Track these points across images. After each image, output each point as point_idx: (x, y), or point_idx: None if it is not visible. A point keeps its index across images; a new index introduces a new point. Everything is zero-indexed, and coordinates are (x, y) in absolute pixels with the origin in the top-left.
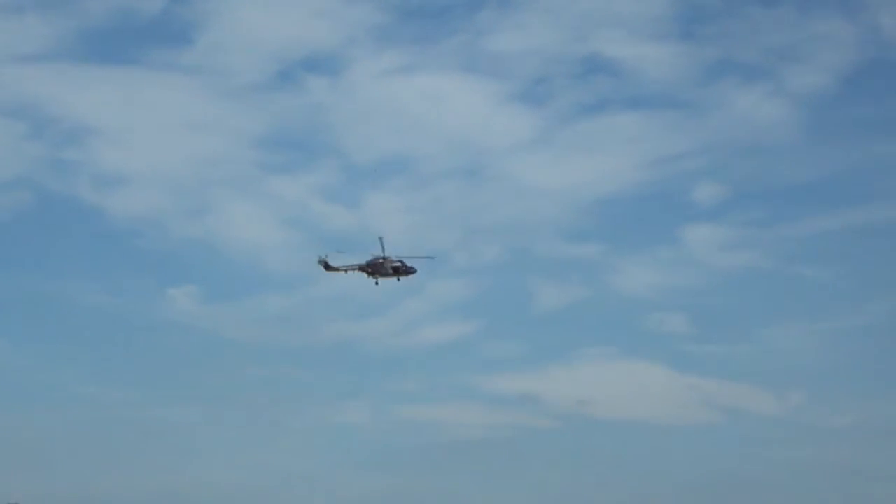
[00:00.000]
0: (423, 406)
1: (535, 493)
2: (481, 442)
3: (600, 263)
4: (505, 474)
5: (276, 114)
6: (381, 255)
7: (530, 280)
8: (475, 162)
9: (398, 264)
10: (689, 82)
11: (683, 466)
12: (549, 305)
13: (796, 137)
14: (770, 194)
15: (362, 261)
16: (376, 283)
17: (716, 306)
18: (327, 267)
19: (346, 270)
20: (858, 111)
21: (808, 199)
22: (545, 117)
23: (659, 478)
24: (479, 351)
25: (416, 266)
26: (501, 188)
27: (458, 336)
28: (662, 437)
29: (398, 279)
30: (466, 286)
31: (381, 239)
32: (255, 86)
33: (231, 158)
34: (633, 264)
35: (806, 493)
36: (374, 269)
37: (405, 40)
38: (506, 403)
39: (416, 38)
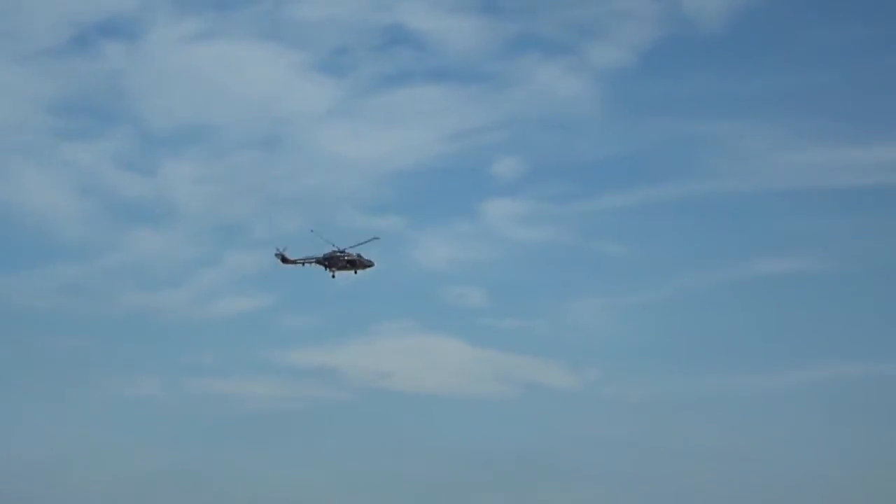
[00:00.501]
0: (218, 379)
1: (333, 466)
2: (277, 415)
3: (400, 236)
4: (301, 448)
5: (71, 79)
6: (338, 248)
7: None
8: (275, 132)
9: (354, 258)
10: (490, 56)
11: (481, 440)
12: (348, 278)
13: (596, 113)
14: (569, 169)
15: (319, 254)
16: (332, 277)
17: (514, 280)
18: (284, 260)
19: (303, 263)
20: (658, 88)
21: (606, 174)
22: (346, 88)
23: (457, 451)
24: (277, 324)
25: (373, 260)
26: (301, 159)
27: (256, 308)
28: (460, 411)
29: (355, 272)
30: (265, 258)
31: (312, 231)
32: (49, 51)
33: (24, 125)
34: (432, 238)
35: (600, 467)
36: (331, 262)
37: (205, 6)
38: (303, 377)
39: (216, 5)
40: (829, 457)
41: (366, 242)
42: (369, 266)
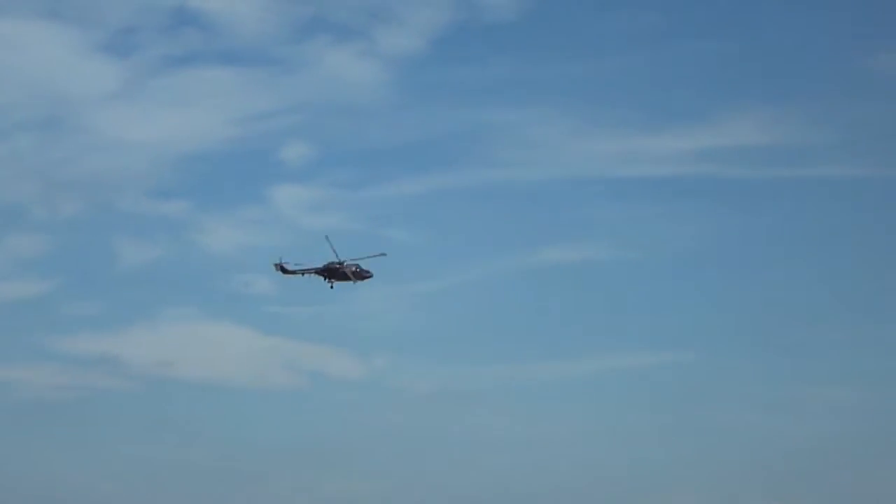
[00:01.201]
0: None
1: (111, 455)
2: (54, 404)
3: (186, 221)
4: (79, 437)
5: None
6: (337, 259)
7: (113, 237)
8: (56, 113)
9: (354, 268)
10: (280, 39)
11: (267, 429)
12: (132, 263)
13: (387, 99)
14: (360, 156)
15: (319, 265)
16: (331, 287)
17: None
18: (284, 271)
19: (302, 273)
20: (449, 75)
21: (397, 161)
22: (131, 69)
23: (241, 441)
24: (57, 310)
25: (371, 270)
26: (83, 141)
27: (35, 294)
28: (245, 400)
29: (354, 283)
30: (44, 242)
31: (328, 238)
32: None
33: None
34: (219, 223)
35: (387, 458)
36: (331, 273)
37: None
38: (83, 364)
39: None
40: (618, 444)
41: (371, 256)
42: (368, 277)
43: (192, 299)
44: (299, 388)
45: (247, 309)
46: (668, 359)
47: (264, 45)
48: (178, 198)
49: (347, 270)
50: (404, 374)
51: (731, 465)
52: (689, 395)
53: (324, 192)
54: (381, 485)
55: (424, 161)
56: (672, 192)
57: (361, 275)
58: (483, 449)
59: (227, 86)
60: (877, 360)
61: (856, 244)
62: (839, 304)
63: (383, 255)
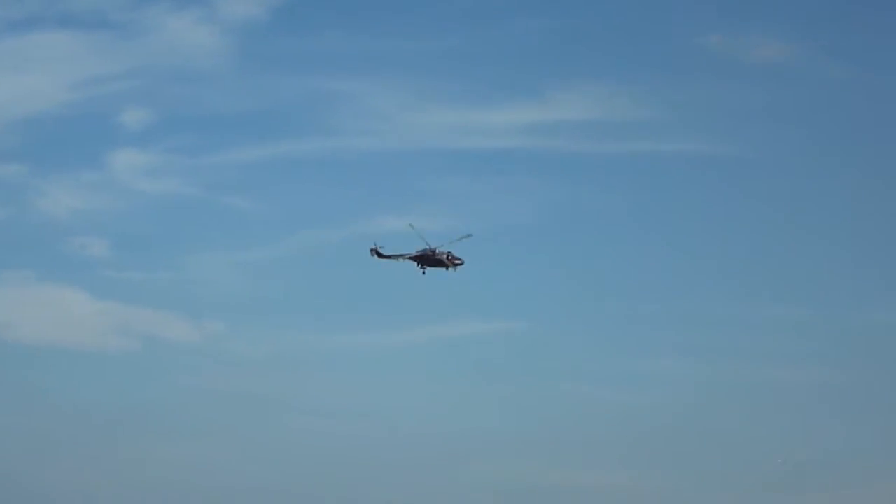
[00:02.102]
0: None
1: None
2: None
3: (22, 184)
4: None
5: None
6: (429, 247)
7: None
8: None
9: (446, 255)
10: (120, 4)
11: (101, 393)
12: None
13: (227, 66)
14: (198, 122)
15: (413, 251)
16: (423, 273)
17: (138, 232)
18: (379, 255)
19: (397, 259)
20: (289, 43)
21: (236, 128)
22: None
23: (75, 405)
24: None
25: (462, 258)
26: None
27: None
28: (80, 363)
29: (447, 269)
30: None
31: (411, 225)
32: None
33: None
34: (56, 187)
35: (220, 423)
36: (424, 260)
37: None
38: None
39: None
40: (451, 413)
41: (458, 240)
42: (460, 264)
43: (29, 262)
44: (133, 351)
45: (82, 272)
46: (501, 328)
47: (104, 10)
48: (16, 161)
49: (441, 257)
50: (238, 339)
51: (563, 433)
52: (522, 364)
53: (161, 157)
54: (214, 449)
55: (263, 129)
56: (504, 165)
57: (453, 261)
58: (316, 416)
59: (66, 50)
60: (708, 334)
61: (684, 218)
62: (666, 276)
63: (469, 236)
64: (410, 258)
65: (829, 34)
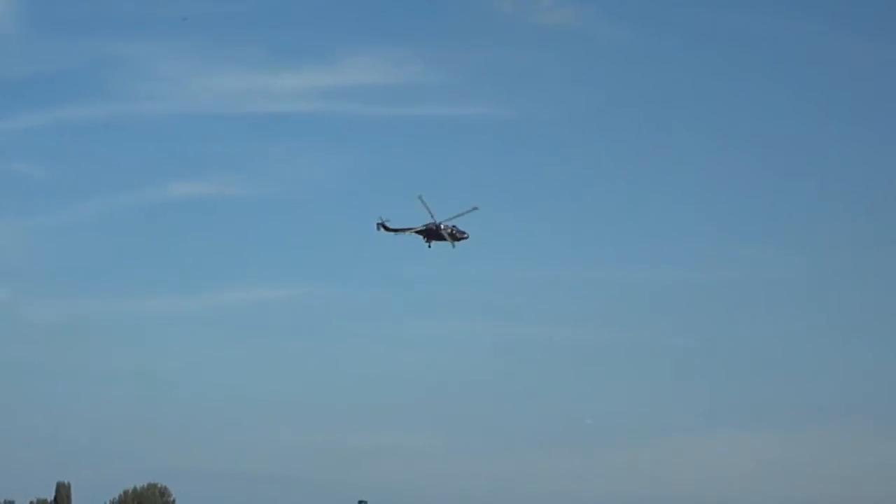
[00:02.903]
0: None
1: None
2: None
3: None
4: None
5: None
6: (435, 222)
7: None
8: None
9: (451, 229)
10: None
11: None
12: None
13: (14, 30)
14: None
15: (418, 225)
16: (429, 247)
17: None
18: (386, 229)
19: (404, 231)
20: (76, 7)
21: (20, 93)
22: None
23: None
24: None
25: (467, 231)
26: None
27: None
28: None
29: (453, 245)
30: None
31: (420, 197)
32: None
33: None
34: None
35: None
36: (429, 234)
37: None
38: None
39: None
40: (237, 376)
41: (463, 214)
42: (464, 238)
43: None
44: None
45: None
46: (290, 293)
47: None
48: None
49: (444, 232)
50: (26, 305)
51: (351, 393)
52: (311, 327)
53: None
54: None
55: (48, 94)
56: (295, 129)
57: (457, 235)
58: (103, 382)
59: None
60: (496, 297)
61: (475, 182)
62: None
63: (475, 209)
64: (416, 232)
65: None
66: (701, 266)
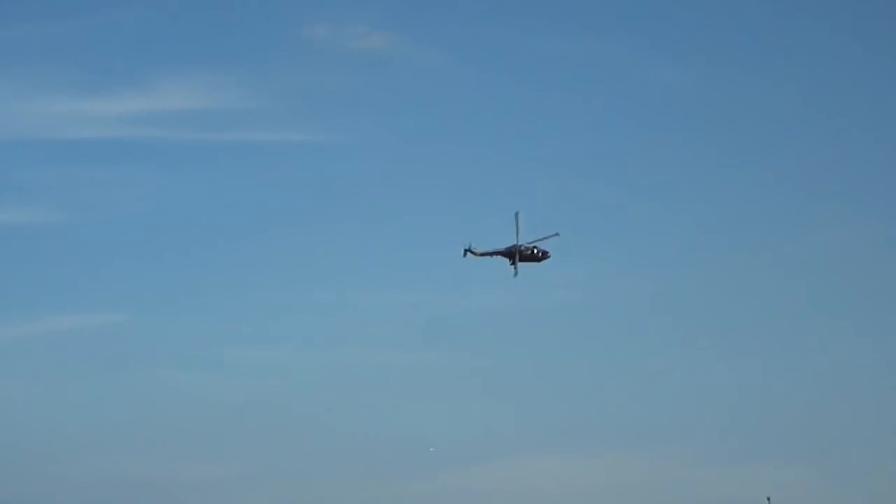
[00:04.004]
0: None
1: None
2: None
3: None
4: None
5: None
6: (517, 244)
7: None
8: None
9: (530, 251)
10: None
11: None
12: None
13: None
14: None
15: (501, 248)
16: (515, 271)
17: None
18: (473, 253)
19: (490, 255)
20: None
21: None
22: None
23: None
24: None
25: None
26: None
27: None
28: None
29: (538, 263)
30: None
31: (517, 215)
32: None
33: None
34: None
35: None
36: (512, 255)
37: None
38: None
39: None
40: (54, 409)
41: (545, 238)
42: (547, 258)
43: None
44: None
45: None
46: (102, 321)
47: None
48: None
49: (529, 252)
50: None
51: (166, 422)
52: (123, 356)
53: None
54: None
55: None
56: (108, 155)
57: (540, 256)
58: None
59: None
60: (315, 322)
61: (288, 208)
62: (275, 261)
63: (556, 235)
64: (501, 254)
65: (426, 24)
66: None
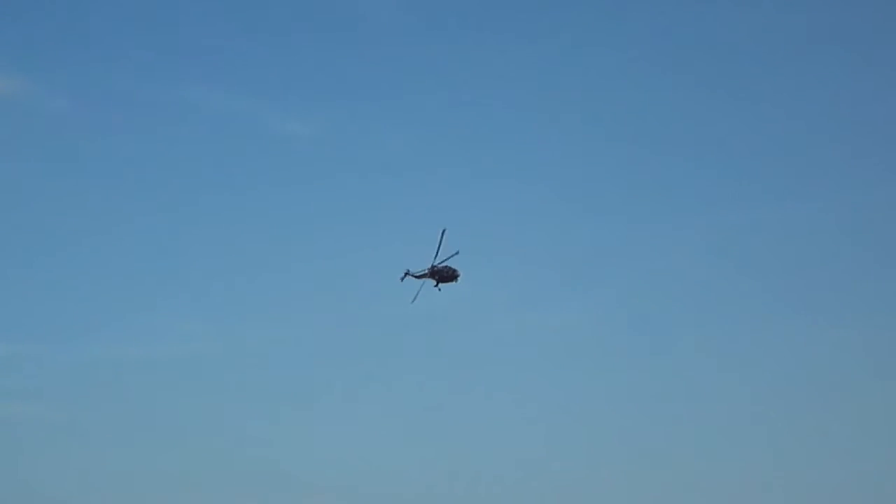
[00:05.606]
0: None
1: None
2: None
3: None
4: None
5: None
6: (434, 264)
7: None
8: None
9: (450, 270)
10: None
11: None
12: None
13: None
14: None
15: (425, 269)
16: (439, 290)
17: None
18: (412, 276)
19: (421, 276)
20: None
21: None
22: None
23: None
24: None
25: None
26: None
27: None
28: None
29: (454, 282)
30: None
31: (443, 232)
32: None
33: None
34: None
35: None
36: (435, 275)
37: None
38: None
39: None
40: None
41: (450, 257)
42: (457, 277)
43: None
44: None
45: None
46: None
47: None
48: None
49: (446, 272)
50: None
51: None
52: None
53: None
54: None
55: None
56: None
57: (454, 275)
58: None
59: None
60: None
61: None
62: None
63: (457, 253)
64: (429, 275)
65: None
66: None
